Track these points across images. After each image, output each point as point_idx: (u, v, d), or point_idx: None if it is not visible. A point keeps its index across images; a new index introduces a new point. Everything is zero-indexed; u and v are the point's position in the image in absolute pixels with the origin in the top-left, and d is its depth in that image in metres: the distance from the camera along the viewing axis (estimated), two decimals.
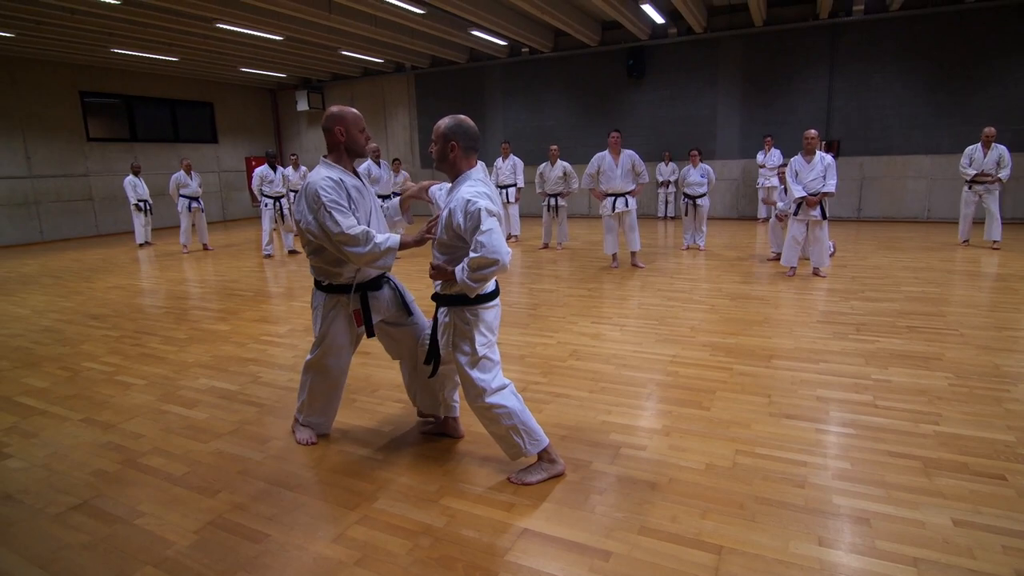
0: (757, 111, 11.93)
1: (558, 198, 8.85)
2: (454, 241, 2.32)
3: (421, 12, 9.94)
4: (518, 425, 2.39)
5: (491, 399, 2.36)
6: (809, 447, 2.69)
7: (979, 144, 7.84)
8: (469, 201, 2.20)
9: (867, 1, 10.42)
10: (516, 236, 9.85)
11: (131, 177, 10.67)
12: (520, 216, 10.33)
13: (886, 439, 2.73)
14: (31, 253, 10.77)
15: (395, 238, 2.46)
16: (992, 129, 7.75)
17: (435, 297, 2.45)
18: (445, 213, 2.30)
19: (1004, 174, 7.68)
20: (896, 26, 10.56)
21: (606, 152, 6.98)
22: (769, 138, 11.20)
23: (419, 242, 2.52)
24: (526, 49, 13.42)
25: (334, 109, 2.55)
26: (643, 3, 10.10)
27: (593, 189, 7.15)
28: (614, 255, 7.32)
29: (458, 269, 2.23)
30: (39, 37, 10.20)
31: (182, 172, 9.95)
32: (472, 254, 2.16)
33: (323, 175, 2.46)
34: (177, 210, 10.07)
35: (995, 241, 7.77)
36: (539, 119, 13.97)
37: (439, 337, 2.46)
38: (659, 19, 10.92)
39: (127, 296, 6.63)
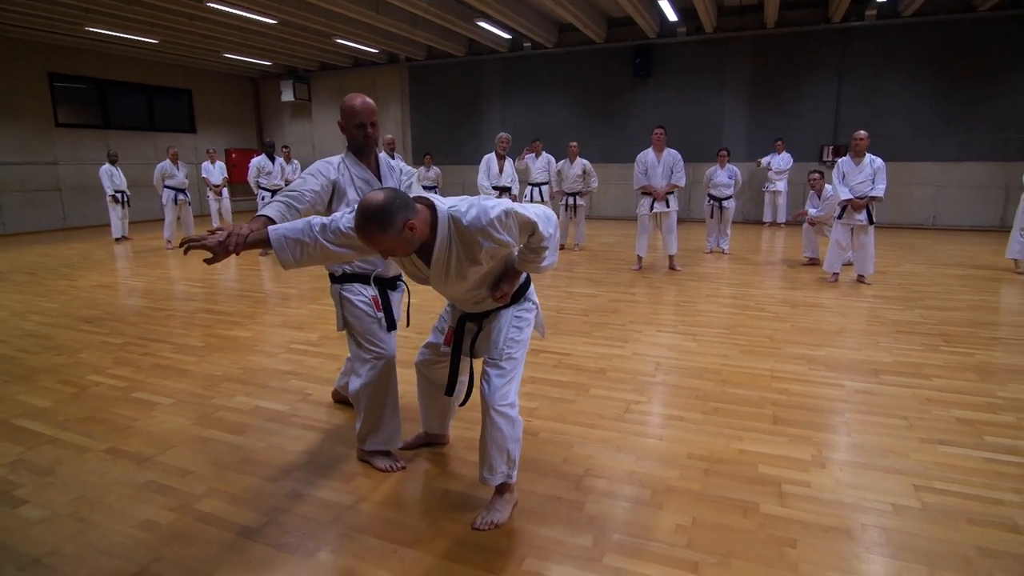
0: (764, 115, 11.75)
1: (577, 197, 8.44)
2: (486, 261, 1.86)
3: None
4: (517, 447, 2.08)
5: (516, 404, 2.07)
6: (990, 480, 2.33)
7: None
8: (478, 217, 1.77)
9: (879, 5, 10.35)
10: None
11: (107, 166, 9.80)
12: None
13: None
14: None
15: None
16: None
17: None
18: (451, 255, 1.81)
19: None
20: (906, 32, 10.50)
21: (649, 149, 6.60)
22: (780, 142, 11.03)
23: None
24: (528, 44, 12.97)
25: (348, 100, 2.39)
26: None
27: (648, 188, 6.67)
28: (640, 257, 6.95)
29: (516, 263, 2.02)
30: (6, 11, 9.26)
31: (168, 162, 9.17)
32: (519, 247, 1.96)
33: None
34: (161, 203, 9.28)
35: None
36: (539, 116, 13.53)
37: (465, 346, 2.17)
38: (672, 15, 10.63)
39: (118, 296, 5.93)
